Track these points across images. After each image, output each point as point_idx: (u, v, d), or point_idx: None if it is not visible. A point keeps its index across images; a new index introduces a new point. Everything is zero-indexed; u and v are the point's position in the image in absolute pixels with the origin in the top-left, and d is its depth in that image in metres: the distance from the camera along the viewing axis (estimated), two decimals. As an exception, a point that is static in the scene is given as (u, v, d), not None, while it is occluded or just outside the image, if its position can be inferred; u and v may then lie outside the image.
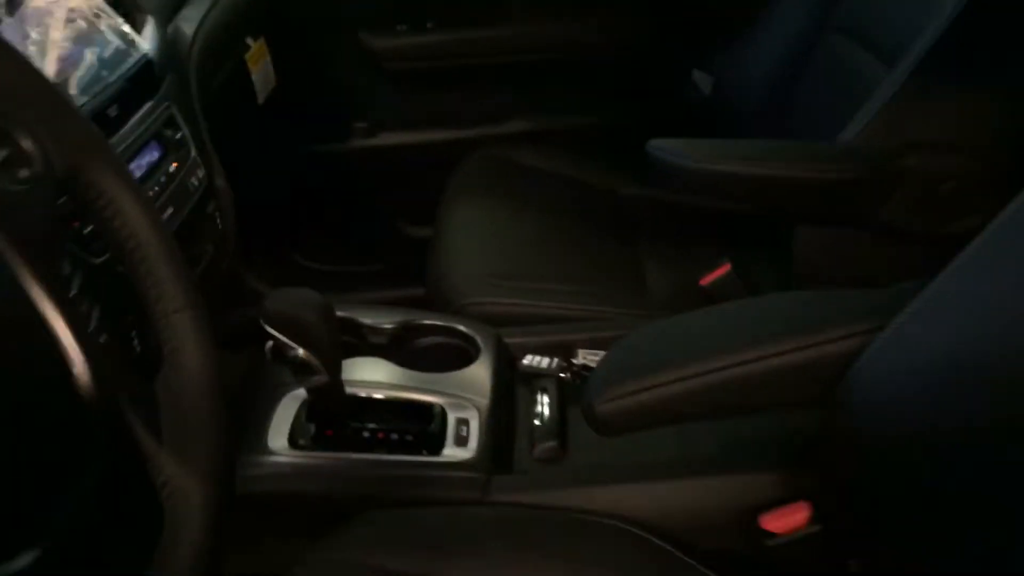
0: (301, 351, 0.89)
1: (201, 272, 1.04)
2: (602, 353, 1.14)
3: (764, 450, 0.88)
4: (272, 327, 0.88)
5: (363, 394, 1.00)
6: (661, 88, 1.69)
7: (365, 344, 1.12)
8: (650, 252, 1.34)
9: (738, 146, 1.16)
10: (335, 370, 0.92)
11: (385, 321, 1.13)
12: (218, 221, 1.09)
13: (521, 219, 1.40)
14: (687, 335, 0.80)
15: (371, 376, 1.03)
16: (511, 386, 1.11)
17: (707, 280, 1.19)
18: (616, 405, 0.75)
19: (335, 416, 0.96)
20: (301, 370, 0.91)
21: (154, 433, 0.54)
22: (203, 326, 0.59)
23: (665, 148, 1.13)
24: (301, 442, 0.94)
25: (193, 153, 1.03)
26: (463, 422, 0.98)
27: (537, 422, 1.04)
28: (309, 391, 0.95)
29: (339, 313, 1.13)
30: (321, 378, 0.91)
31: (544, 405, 1.06)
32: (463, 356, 1.12)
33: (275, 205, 1.80)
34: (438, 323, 1.15)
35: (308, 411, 0.97)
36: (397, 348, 1.12)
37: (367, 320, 1.13)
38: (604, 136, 1.71)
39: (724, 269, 1.18)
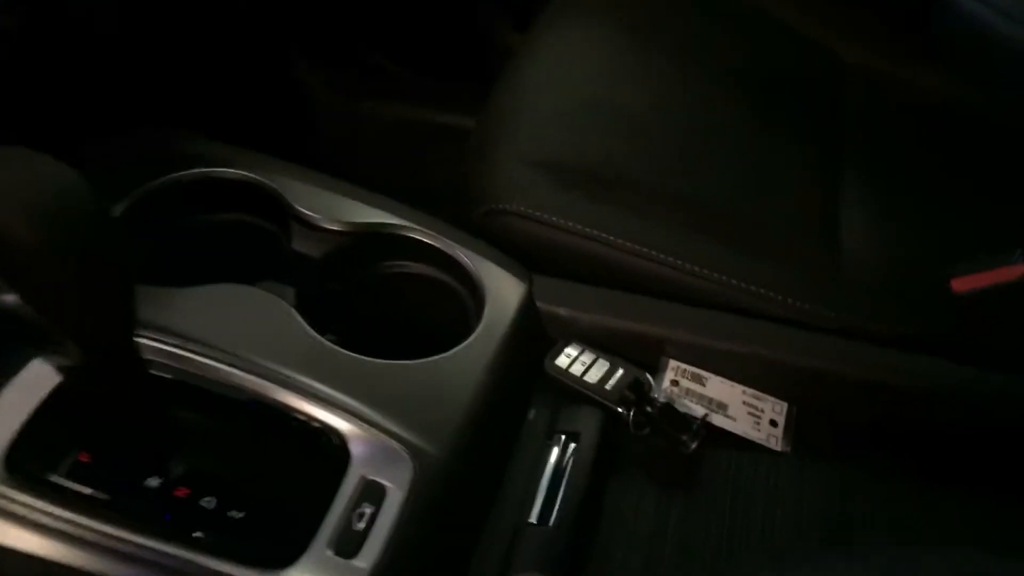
0: (10, 297, 0.40)
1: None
2: (710, 379, 0.60)
3: None
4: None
5: (195, 377, 0.50)
6: None
7: (285, 250, 0.61)
8: (863, 186, 0.73)
9: None
10: (103, 340, 0.42)
11: (335, 216, 0.61)
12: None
13: (649, 67, 0.80)
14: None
15: (234, 336, 0.52)
16: (520, 411, 0.59)
17: (966, 284, 0.59)
18: None
19: (109, 421, 0.47)
20: (32, 332, 0.42)
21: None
22: None
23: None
24: (30, 466, 0.45)
25: None
26: (373, 493, 0.47)
27: (537, 502, 0.52)
28: (61, 371, 0.46)
29: (253, 176, 0.62)
30: (70, 355, 0.42)
31: (567, 468, 0.54)
32: (448, 320, 0.60)
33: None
34: (426, 240, 0.62)
35: (71, 402, 0.48)
36: (336, 273, 0.61)
37: (303, 206, 0.61)
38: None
39: (1015, 272, 0.57)
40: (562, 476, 0.53)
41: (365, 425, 0.49)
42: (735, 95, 0.78)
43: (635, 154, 0.70)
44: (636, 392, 0.57)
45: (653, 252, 0.63)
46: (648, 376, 0.59)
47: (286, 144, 0.69)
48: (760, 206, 0.69)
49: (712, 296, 0.62)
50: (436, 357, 0.54)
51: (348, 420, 0.49)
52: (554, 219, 0.63)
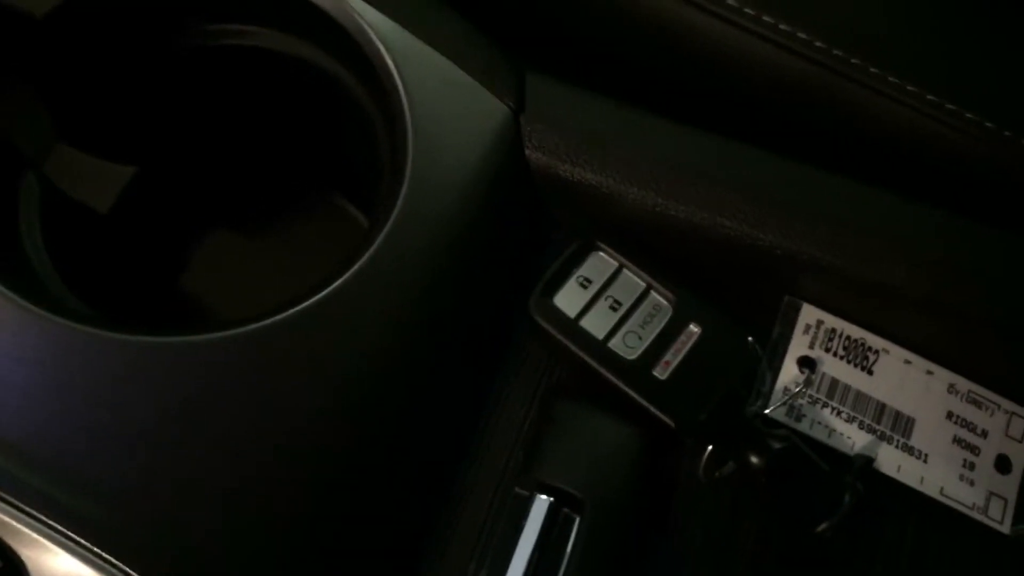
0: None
1: None
2: (885, 356, 0.28)
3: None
4: None
5: None
6: None
7: None
8: None
9: None
10: None
11: None
12: None
13: None
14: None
15: None
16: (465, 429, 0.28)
17: None
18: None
19: None
20: None
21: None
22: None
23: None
24: None
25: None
26: None
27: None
28: None
29: None
30: None
31: (560, 569, 0.25)
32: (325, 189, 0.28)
33: None
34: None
35: None
36: (77, 58, 0.27)
37: None
38: None
39: None
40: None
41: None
42: None
43: None
44: (723, 391, 0.26)
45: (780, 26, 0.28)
46: (756, 345, 0.27)
47: None
48: None
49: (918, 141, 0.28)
50: (285, 314, 0.23)
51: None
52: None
